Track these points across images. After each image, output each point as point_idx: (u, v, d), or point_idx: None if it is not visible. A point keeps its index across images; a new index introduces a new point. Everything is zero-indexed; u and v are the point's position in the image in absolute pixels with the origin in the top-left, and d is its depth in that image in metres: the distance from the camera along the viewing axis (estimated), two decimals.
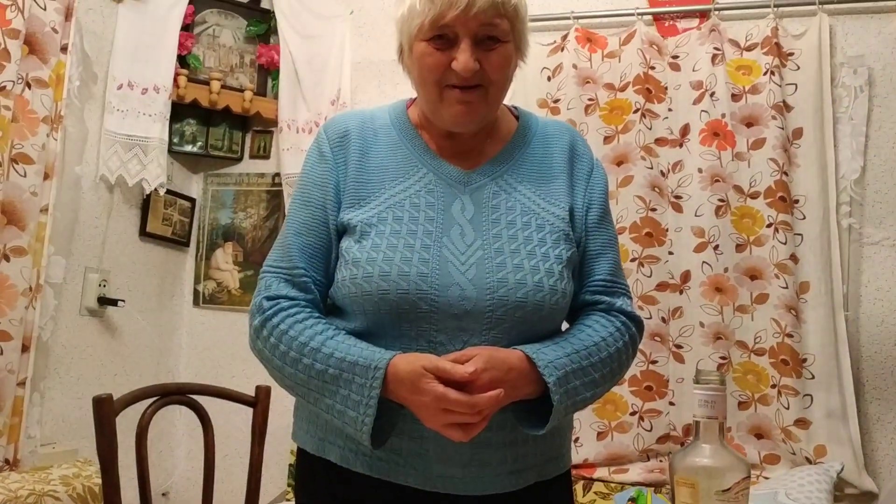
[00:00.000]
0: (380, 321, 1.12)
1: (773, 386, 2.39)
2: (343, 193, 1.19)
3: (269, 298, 1.17)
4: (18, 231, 2.17)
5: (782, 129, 2.45)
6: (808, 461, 2.31)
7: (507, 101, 1.27)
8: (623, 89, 2.61)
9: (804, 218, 2.44)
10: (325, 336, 1.11)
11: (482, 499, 1.13)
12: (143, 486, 1.67)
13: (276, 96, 2.95)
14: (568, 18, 2.68)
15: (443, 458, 1.11)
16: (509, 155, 1.23)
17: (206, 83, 2.86)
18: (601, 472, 2.47)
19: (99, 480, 1.98)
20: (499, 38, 1.12)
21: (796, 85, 2.49)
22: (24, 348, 2.19)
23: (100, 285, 2.60)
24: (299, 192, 1.24)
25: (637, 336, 1.23)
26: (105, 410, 1.55)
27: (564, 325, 1.25)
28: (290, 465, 2.69)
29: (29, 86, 2.21)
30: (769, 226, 2.44)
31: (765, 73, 2.49)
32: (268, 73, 3.02)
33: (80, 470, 2.07)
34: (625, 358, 1.20)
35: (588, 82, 2.64)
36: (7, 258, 2.14)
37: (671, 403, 2.48)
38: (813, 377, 2.36)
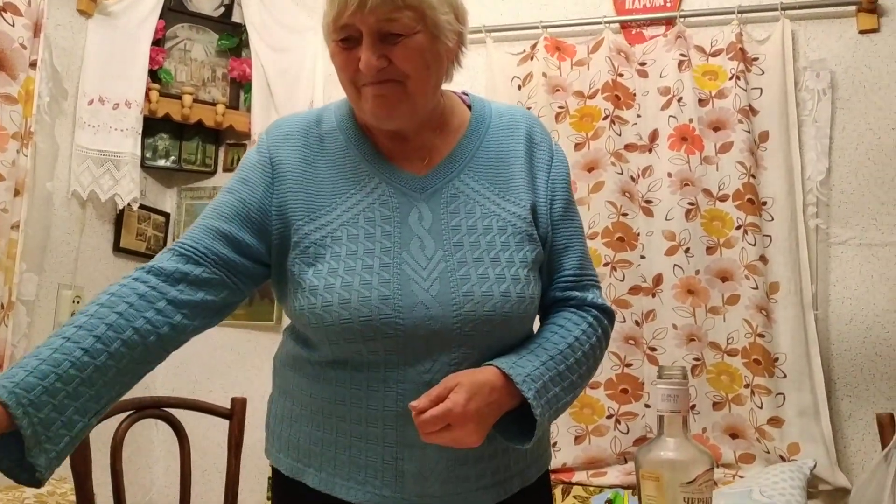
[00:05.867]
0: (346, 349, 1.07)
1: (747, 386, 2.42)
2: (283, 200, 1.12)
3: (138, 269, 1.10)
4: None
5: (749, 132, 2.49)
6: (783, 459, 2.34)
7: None
8: (592, 97, 2.65)
9: (772, 219, 2.48)
10: (51, 339, 0.99)
11: None
12: (119, 502, 1.66)
13: (248, 109, 2.96)
14: (537, 28, 2.72)
15: (420, 477, 1.08)
16: (464, 151, 1.17)
17: (178, 97, 2.87)
18: (580, 476, 2.48)
19: (73, 497, 1.97)
20: (402, 32, 1.06)
21: (761, 89, 2.54)
22: None
23: (73, 301, 2.58)
24: (226, 185, 1.17)
25: (609, 328, 1.20)
26: None
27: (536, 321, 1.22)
28: (269, 478, 2.68)
29: None
30: (738, 228, 2.48)
31: (730, 78, 2.53)
32: (240, 86, 3.03)
33: (54, 487, 2.05)
34: (599, 353, 1.17)
35: (558, 90, 2.67)
36: None
37: (647, 406, 2.50)
38: (785, 376, 2.40)
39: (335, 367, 1.10)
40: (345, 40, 1.08)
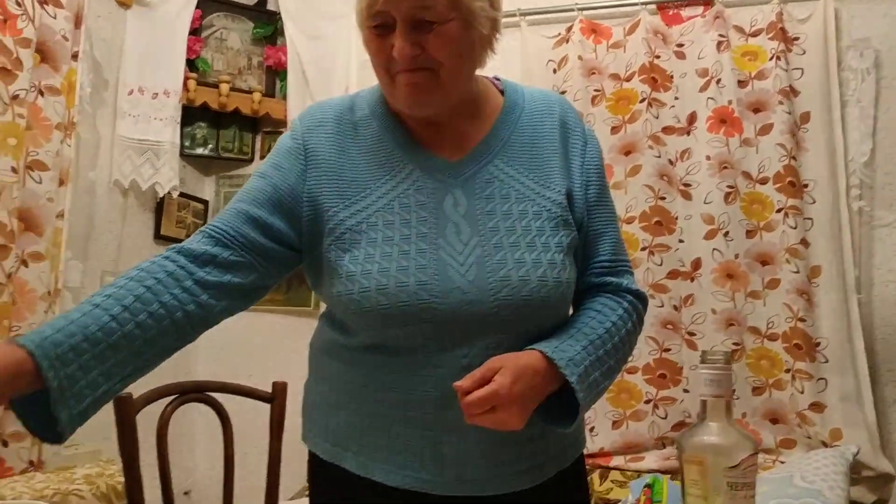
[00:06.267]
0: (384, 335, 1.08)
1: (787, 371, 2.39)
2: (318, 186, 1.12)
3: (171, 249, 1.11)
4: (36, 237, 2.21)
5: (790, 113, 2.45)
6: (824, 445, 2.31)
7: None
8: (629, 79, 2.62)
9: (814, 202, 2.44)
10: (81, 305, 1.01)
11: (501, 498, 1.11)
12: (166, 484, 1.69)
13: (284, 97, 2.98)
14: (572, 10, 2.69)
15: (458, 460, 1.09)
16: (497, 136, 1.16)
17: (216, 86, 2.90)
18: (617, 461, 2.48)
19: (122, 479, 2.01)
20: (435, 20, 1.05)
21: (802, 69, 2.49)
22: None
23: None
24: (257, 170, 1.17)
25: (643, 314, 1.21)
26: (126, 409, 1.58)
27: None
28: (308, 461, 2.72)
29: (42, 94, 2.25)
30: (779, 211, 2.44)
31: (771, 59, 2.49)
32: (276, 74, 3.05)
33: (102, 469, 2.10)
34: (634, 338, 1.18)
35: (594, 73, 2.65)
36: (26, 264, 2.18)
37: (685, 391, 2.49)
38: (827, 361, 2.36)
39: (373, 352, 1.11)
40: (378, 27, 1.07)
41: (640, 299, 1.20)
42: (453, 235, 1.08)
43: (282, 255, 1.14)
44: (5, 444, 2.10)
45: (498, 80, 1.23)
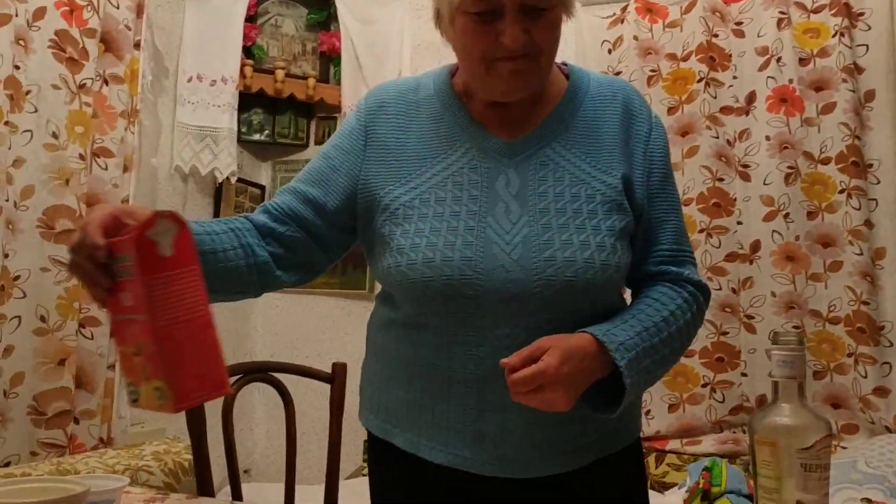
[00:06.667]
0: (427, 308, 1.10)
1: (850, 355, 2.34)
2: (376, 166, 1.15)
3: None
4: None
5: (853, 91, 2.39)
6: (888, 430, 2.27)
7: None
8: (686, 59, 2.58)
9: (878, 182, 2.38)
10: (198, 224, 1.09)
11: (545, 480, 1.11)
12: (231, 461, 1.74)
13: (338, 82, 3.01)
14: None
15: (498, 439, 1.09)
16: (558, 120, 1.15)
17: (271, 72, 2.94)
18: (673, 444, 2.47)
19: (188, 456, 2.08)
20: (545, 7, 1.06)
21: (867, 46, 2.42)
22: (112, 333, 2.30)
23: None
24: (322, 150, 1.21)
25: (704, 305, 1.17)
26: None
27: (628, 295, 1.21)
28: (365, 441, 2.76)
29: (106, 82, 2.31)
30: (841, 192, 2.38)
31: (834, 36, 2.42)
32: (330, 59, 3.07)
33: (169, 446, 2.17)
34: (693, 330, 1.15)
35: (650, 53, 2.62)
36: None
37: (743, 374, 2.46)
38: (891, 345, 2.31)
39: (419, 329, 1.12)
40: (481, 14, 1.06)
41: (702, 290, 1.17)
42: (502, 214, 1.09)
43: (334, 235, 1.19)
44: (77, 422, 2.18)
45: (565, 65, 1.23)
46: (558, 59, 1.25)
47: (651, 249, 1.16)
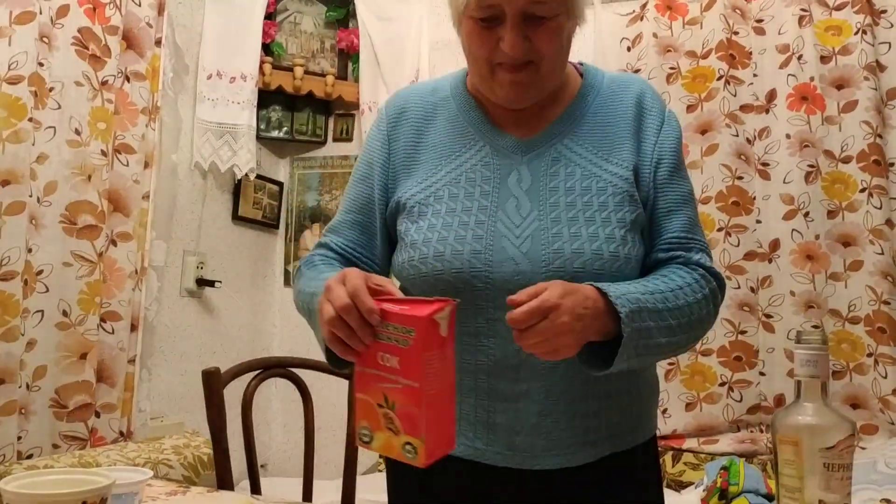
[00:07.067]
0: None
1: (870, 355, 2.33)
2: (398, 172, 1.19)
3: (308, 256, 1.25)
4: (124, 217, 2.30)
5: (875, 90, 2.37)
6: None
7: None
8: (705, 56, 2.57)
9: None
10: (319, 273, 1.14)
11: (556, 473, 1.11)
12: (250, 456, 1.75)
13: (356, 79, 3.02)
14: None
15: (510, 430, 1.10)
16: (570, 117, 1.17)
17: (290, 69, 2.95)
18: (690, 443, 2.46)
19: (207, 450, 2.10)
20: (547, 15, 1.07)
21: (890, 43, 2.40)
22: (133, 328, 2.33)
23: (197, 267, 2.73)
24: (355, 168, 1.27)
25: (718, 292, 1.14)
26: (214, 383, 1.64)
27: None
28: None
29: (128, 79, 2.33)
30: (863, 190, 2.37)
31: (856, 33, 2.41)
32: (348, 57, 3.08)
33: (189, 440, 2.19)
34: (705, 312, 1.11)
35: (669, 51, 2.61)
36: (115, 243, 2.27)
37: (761, 374, 2.45)
38: None
39: None
40: (485, 19, 1.08)
41: (716, 277, 1.15)
42: (513, 209, 1.11)
43: (390, 248, 1.24)
44: (97, 415, 2.21)
45: (581, 64, 1.24)
46: (576, 57, 1.26)
47: (659, 237, 1.15)
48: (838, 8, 2.46)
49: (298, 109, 3.07)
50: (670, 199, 1.15)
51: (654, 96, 1.21)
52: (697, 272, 1.12)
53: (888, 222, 2.34)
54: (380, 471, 2.74)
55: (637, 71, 2.62)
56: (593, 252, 1.07)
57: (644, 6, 2.65)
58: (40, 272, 2.10)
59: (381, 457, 2.81)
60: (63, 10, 2.16)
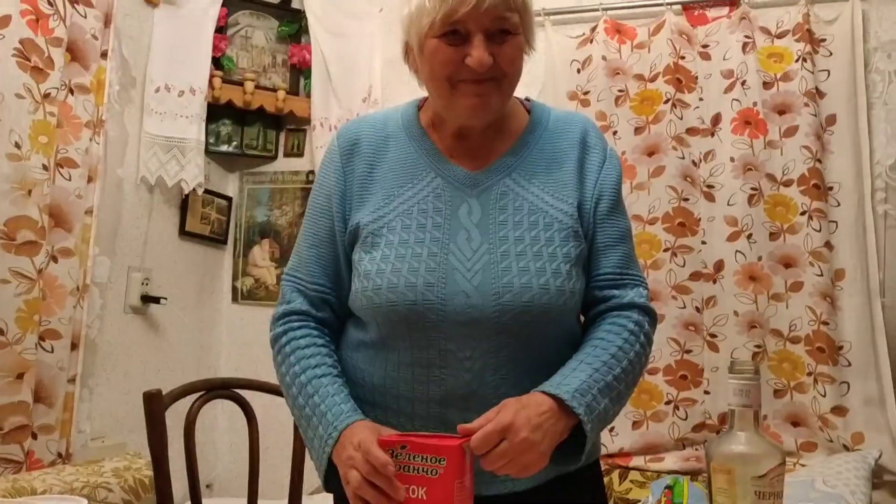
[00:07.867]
0: (392, 331, 1.14)
1: (809, 374, 2.38)
2: (353, 201, 1.21)
3: (283, 315, 1.23)
4: (65, 233, 2.24)
5: (815, 116, 2.44)
6: (846, 448, 2.31)
7: (536, 94, 1.26)
8: (653, 80, 2.62)
9: (839, 205, 2.43)
10: (314, 373, 1.16)
11: (504, 498, 1.14)
12: (192, 478, 1.72)
13: (308, 95, 3.00)
14: (597, 10, 2.69)
15: None
16: (518, 152, 1.21)
17: (240, 84, 2.92)
18: (637, 461, 2.48)
19: (149, 473, 2.05)
20: (510, 31, 1.12)
21: (829, 71, 2.48)
22: (73, 346, 2.27)
23: (142, 284, 2.68)
24: (312, 201, 1.26)
25: (651, 332, 1.20)
26: (155, 405, 1.61)
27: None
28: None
29: (72, 92, 2.28)
30: (803, 213, 2.43)
31: (797, 60, 2.48)
32: (300, 72, 3.07)
33: (130, 463, 2.14)
34: (644, 360, 1.17)
35: (618, 73, 2.65)
36: (55, 259, 2.22)
37: (706, 392, 2.49)
38: (849, 364, 2.36)
39: (386, 351, 1.17)
40: (449, 36, 1.11)
41: (648, 314, 1.20)
42: (464, 242, 1.14)
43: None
44: (34, 437, 2.14)
45: (528, 100, 1.28)
46: (528, 78, 1.28)
47: (594, 273, 1.20)
48: (780, 36, 2.53)
49: (249, 124, 3.04)
50: (608, 235, 1.20)
51: (598, 135, 1.26)
52: (631, 318, 1.17)
53: (827, 244, 2.40)
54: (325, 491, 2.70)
55: (587, 93, 2.66)
56: (541, 287, 1.10)
57: (594, 29, 2.69)
58: None
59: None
60: (4, 21, 2.11)
